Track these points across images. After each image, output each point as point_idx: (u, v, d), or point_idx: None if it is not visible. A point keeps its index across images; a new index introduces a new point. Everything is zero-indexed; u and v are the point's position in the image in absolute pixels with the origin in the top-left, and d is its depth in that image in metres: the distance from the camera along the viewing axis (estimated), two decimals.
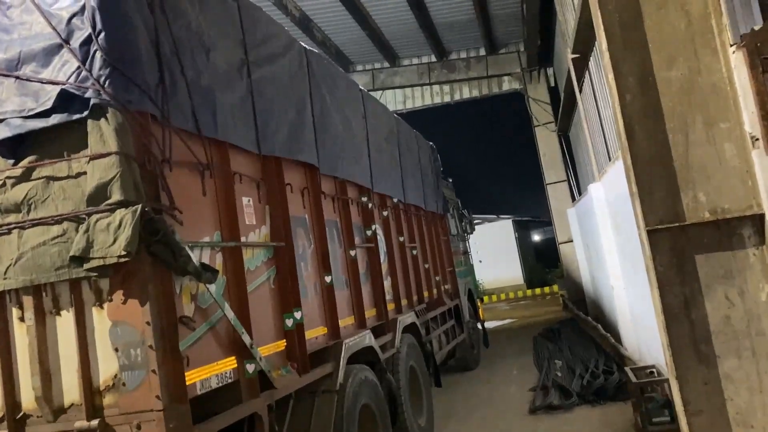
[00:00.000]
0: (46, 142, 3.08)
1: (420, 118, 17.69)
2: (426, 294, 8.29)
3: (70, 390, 3.03)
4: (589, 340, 11.61)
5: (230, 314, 3.48)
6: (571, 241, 16.48)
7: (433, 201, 9.65)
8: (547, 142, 17.95)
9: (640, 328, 8.09)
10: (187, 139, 3.39)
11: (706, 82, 3.86)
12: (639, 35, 3.91)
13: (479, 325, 12.08)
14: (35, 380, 3.02)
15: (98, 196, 2.93)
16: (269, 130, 4.31)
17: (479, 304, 12.56)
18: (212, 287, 3.34)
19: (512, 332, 15.84)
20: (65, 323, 3.05)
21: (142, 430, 2.90)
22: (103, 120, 2.96)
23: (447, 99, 18.66)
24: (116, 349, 2.96)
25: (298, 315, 4.27)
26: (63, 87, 2.95)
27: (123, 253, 2.82)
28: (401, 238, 7.52)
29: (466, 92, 18.58)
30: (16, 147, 3.10)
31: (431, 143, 10.37)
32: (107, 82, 2.94)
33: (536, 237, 41.21)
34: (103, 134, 2.95)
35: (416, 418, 6.49)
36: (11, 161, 3.10)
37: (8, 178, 3.09)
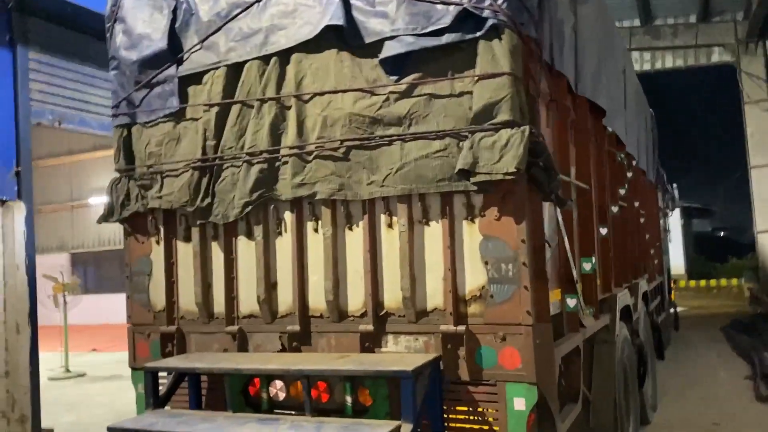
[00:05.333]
0: (430, 60, 3.22)
1: None
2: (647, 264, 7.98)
3: (434, 295, 3.20)
4: None
5: (568, 246, 3.52)
6: None
7: (653, 170, 9.18)
8: (758, 121, 16.34)
9: None
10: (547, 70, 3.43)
11: None
12: None
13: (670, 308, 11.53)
14: (404, 282, 3.21)
15: (483, 115, 3.03)
16: (584, 71, 4.26)
17: (672, 285, 11.97)
18: (560, 217, 3.39)
19: (687, 321, 14.94)
20: (433, 233, 3.21)
21: (507, 342, 3.02)
22: (496, 41, 3.04)
23: (647, 67, 17.42)
24: (486, 263, 3.08)
25: (593, 260, 4.25)
26: (464, 6, 3.06)
27: (512, 170, 2.89)
28: (636, 203, 7.24)
29: (669, 61, 17.29)
30: (400, 64, 3.27)
31: (651, 110, 9.81)
32: (505, 4, 3.01)
33: (698, 228, 38.28)
34: (495, 55, 3.03)
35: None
36: (394, 78, 3.29)
37: (392, 93, 3.27)
